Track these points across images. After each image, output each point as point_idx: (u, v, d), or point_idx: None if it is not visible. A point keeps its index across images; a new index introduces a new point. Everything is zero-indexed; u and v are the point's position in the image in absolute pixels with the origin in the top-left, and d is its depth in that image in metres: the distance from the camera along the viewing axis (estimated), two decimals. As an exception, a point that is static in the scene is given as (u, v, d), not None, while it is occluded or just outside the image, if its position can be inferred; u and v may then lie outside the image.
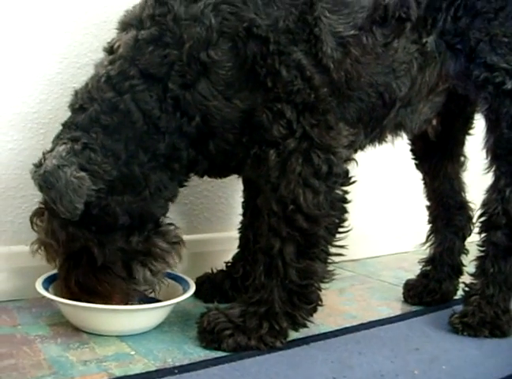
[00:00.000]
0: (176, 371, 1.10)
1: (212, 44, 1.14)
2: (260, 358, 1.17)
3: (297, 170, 1.16)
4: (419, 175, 1.63)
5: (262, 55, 1.14)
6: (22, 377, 1.05)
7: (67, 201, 1.12)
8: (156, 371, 1.10)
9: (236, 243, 1.53)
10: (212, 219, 1.73)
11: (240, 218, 1.53)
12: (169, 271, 1.33)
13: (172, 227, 1.29)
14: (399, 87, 1.28)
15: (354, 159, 1.26)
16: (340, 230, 1.22)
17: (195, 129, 1.19)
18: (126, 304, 1.27)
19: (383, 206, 2.11)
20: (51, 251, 1.24)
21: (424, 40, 1.27)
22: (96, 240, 1.20)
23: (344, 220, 1.22)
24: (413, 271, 1.67)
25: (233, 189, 1.74)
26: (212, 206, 1.73)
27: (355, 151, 1.32)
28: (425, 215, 1.64)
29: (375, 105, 1.28)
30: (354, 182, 1.23)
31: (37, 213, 1.25)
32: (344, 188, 1.21)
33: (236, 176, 1.53)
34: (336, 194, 1.20)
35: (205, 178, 1.60)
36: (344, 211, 1.22)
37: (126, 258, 1.23)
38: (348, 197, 1.22)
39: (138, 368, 1.11)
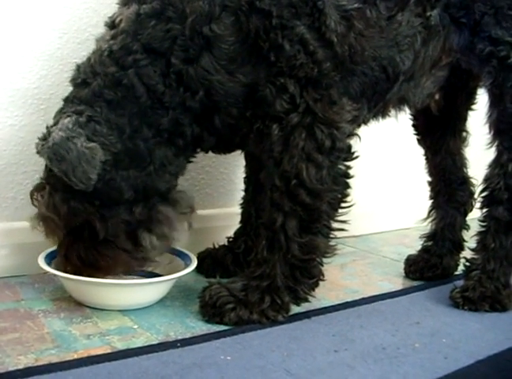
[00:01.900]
0: (179, 344, 1.11)
1: (214, 18, 1.13)
2: (262, 332, 1.17)
3: (300, 145, 1.16)
4: (420, 151, 1.63)
5: (265, 29, 1.13)
6: (26, 351, 1.05)
7: (80, 172, 1.11)
8: (158, 344, 1.11)
9: (238, 219, 1.54)
10: (214, 195, 1.73)
11: (242, 193, 1.53)
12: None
13: (183, 195, 1.29)
14: (402, 61, 1.27)
15: (357, 135, 1.25)
16: (343, 205, 1.22)
17: (199, 104, 1.18)
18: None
19: (384, 182, 2.11)
20: (51, 225, 1.23)
21: (428, 14, 1.26)
22: (98, 214, 1.20)
23: (347, 195, 1.23)
24: (414, 247, 1.67)
25: (235, 165, 1.73)
26: (214, 182, 1.73)
27: (359, 126, 1.32)
28: (426, 191, 1.64)
29: (379, 79, 1.27)
30: (357, 157, 1.23)
31: (38, 188, 1.24)
32: (347, 163, 1.22)
33: (238, 152, 1.54)
34: (338, 169, 1.20)
35: (207, 153, 1.62)
36: (347, 186, 1.22)
37: (130, 229, 1.22)
38: (350, 172, 1.22)
39: (141, 341, 1.12)
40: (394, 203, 2.13)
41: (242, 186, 1.54)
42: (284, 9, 1.14)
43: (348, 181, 1.22)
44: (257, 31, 1.13)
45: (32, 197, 1.25)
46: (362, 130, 1.34)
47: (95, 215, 1.20)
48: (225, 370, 1.02)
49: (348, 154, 1.21)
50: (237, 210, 1.55)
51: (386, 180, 2.12)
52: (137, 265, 1.28)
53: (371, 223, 2.03)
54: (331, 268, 1.29)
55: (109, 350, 1.08)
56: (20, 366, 0.99)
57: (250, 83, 1.17)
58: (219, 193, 1.74)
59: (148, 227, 1.24)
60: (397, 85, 1.30)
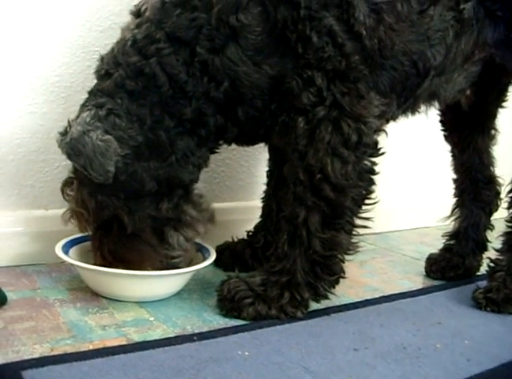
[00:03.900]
0: (195, 338, 1.09)
1: (241, 8, 1.10)
2: (280, 328, 1.15)
3: (326, 139, 1.13)
4: (443, 148, 1.60)
5: (293, 20, 1.11)
6: (41, 340, 1.04)
7: (97, 165, 1.11)
8: (175, 337, 1.10)
9: (258, 213, 1.52)
10: (234, 188, 1.72)
11: (262, 187, 1.51)
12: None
13: (203, 199, 1.28)
14: (434, 55, 1.23)
15: (384, 130, 1.23)
16: (367, 201, 1.20)
17: (223, 95, 1.16)
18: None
19: (405, 179, 2.08)
20: (82, 220, 1.24)
21: (462, 7, 1.22)
22: (125, 207, 1.19)
23: (371, 192, 1.20)
24: (435, 246, 1.64)
25: (255, 159, 1.71)
26: (234, 175, 1.71)
27: (387, 122, 1.29)
28: (448, 189, 1.61)
29: (409, 74, 1.24)
30: (383, 154, 1.20)
31: (67, 183, 1.24)
32: (373, 159, 1.19)
33: (260, 145, 1.52)
34: (364, 165, 1.17)
35: (227, 146, 1.61)
36: (372, 182, 1.20)
37: (157, 225, 1.22)
38: (376, 168, 1.20)
39: (157, 334, 1.11)
40: (415, 201, 2.10)
41: (263, 180, 1.52)
42: (312, 0, 1.11)
43: (373, 177, 1.19)
44: (285, 22, 1.11)
45: (62, 192, 1.25)
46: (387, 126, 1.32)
47: (122, 209, 1.20)
48: (242, 366, 1.00)
49: (375, 150, 1.19)
50: (257, 204, 1.53)
51: (407, 177, 2.09)
52: (161, 261, 1.26)
53: (392, 220, 2.00)
54: (351, 264, 1.26)
55: (125, 342, 1.06)
56: (36, 355, 0.98)
57: (276, 75, 1.14)
58: (238, 186, 1.72)
59: (175, 226, 1.24)
60: (427, 80, 1.27)
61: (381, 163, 1.22)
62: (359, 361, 1.05)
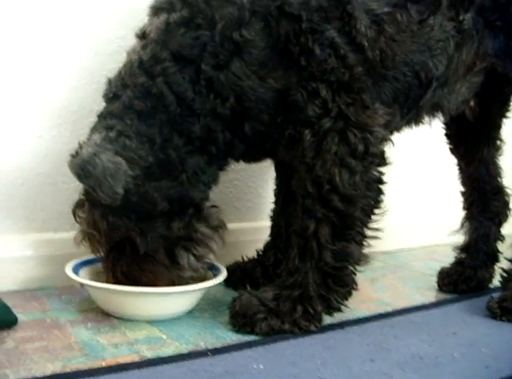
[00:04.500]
0: (209, 353, 1.08)
1: (244, 23, 1.12)
2: (294, 341, 1.14)
3: (333, 150, 1.14)
4: (451, 164, 1.60)
5: (295, 34, 1.12)
6: (53, 358, 1.03)
7: (106, 187, 1.10)
8: (188, 353, 1.08)
9: (266, 233, 1.51)
10: (242, 209, 1.71)
11: (270, 208, 1.51)
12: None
13: (214, 210, 1.27)
14: (435, 65, 1.24)
15: (390, 140, 1.23)
16: (376, 211, 1.20)
17: (229, 111, 1.16)
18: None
19: (413, 198, 2.08)
20: (94, 242, 1.24)
21: (461, 17, 1.24)
22: (137, 228, 1.19)
23: (380, 202, 1.20)
24: (445, 262, 1.63)
25: (262, 179, 1.72)
26: (242, 196, 1.71)
27: (391, 133, 1.29)
28: (456, 206, 1.60)
29: (411, 85, 1.25)
30: (390, 164, 1.20)
31: (78, 205, 1.24)
32: (380, 169, 1.19)
33: (266, 165, 1.52)
34: (372, 175, 1.17)
35: (235, 167, 1.60)
36: (380, 192, 1.20)
37: (168, 245, 1.21)
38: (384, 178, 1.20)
39: (170, 351, 1.10)
40: (423, 218, 2.09)
41: (271, 200, 1.51)
42: (313, 13, 1.13)
43: (382, 187, 1.20)
44: (288, 36, 1.12)
45: (74, 214, 1.25)
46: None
47: (134, 230, 1.19)
48: (258, 378, 0.99)
49: (382, 159, 1.19)
50: (265, 224, 1.53)
51: (415, 195, 2.09)
52: (174, 280, 1.25)
53: (400, 238, 1.99)
54: (361, 281, 1.25)
55: (137, 359, 1.05)
56: (48, 373, 0.97)
57: (281, 88, 1.15)
58: (247, 207, 1.72)
59: (186, 246, 1.23)
60: (430, 91, 1.28)
61: (388, 182, 1.22)
62: (376, 371, 1.04)
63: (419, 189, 2.11)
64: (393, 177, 1.23)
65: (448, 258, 1.61)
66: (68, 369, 0.99)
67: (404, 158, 1.93)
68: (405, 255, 1.96)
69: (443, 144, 1.60)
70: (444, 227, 1.67)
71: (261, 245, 1.52)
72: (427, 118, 1.38)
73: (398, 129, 1.33)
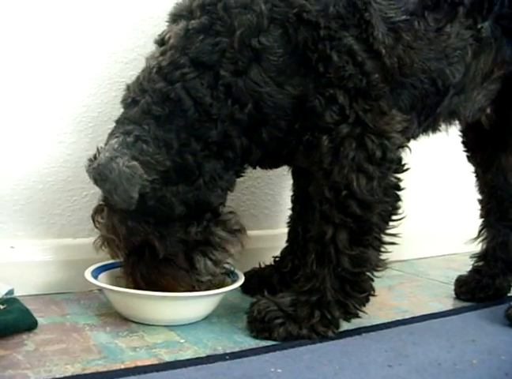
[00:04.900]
0: (227, 357, 1.09)
1: (263, 31, 1.13)
2: (312, 347, 1.14)
3: (350, 156, 1.14)
4: (467, 176, 1.60)
5: (313, 40, 1.13)
6: (73, 360, 1.04)
7: (122, 191, 1.11)
8: (207, 357, 1.09)
9: (283, 240, 1.51)
10: (259, 216, 1.72)
11: (287, 215, 1.51)
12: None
13: (232, 215, 1.28)
14: (452, 73, 1.25)
15: (408, 146, 1.23)
16: (394, 217, 1.20)
17: (247, 117, 1.17)
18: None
19: (430, 207, 2.07)
20: (113, 246, 1.25)
21: (479, 26, 1.24)
22: (156, 232, 1.20)
23: (398, 208, 1.20)
24: (463, 270, 1.62)
25: (280, 187, 1.72)
26: (259, 203, 1.72)
27: (409, 140, 1.29)
28: (473, 215, 1.60)
29: (428, 92, 1.25)
30: (407, 170, 1.20)
31: (98, 210, 1.26)
32: (398, 175, 1.19)
33: (283, 172, 1.53)
34: (389, 180, 1.17)
35: (252, 174, 1.62)
36: (398, 198, 1.19)
37: (187, 249, 1.22)
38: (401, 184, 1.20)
39: (188, 355, 1.10)
40: (441, 227, 2.09)
41: (288, 207, 1.52)
42: (331, 20, 1.14)
43: (399, 193, 1.19)
44: (306, 43, 1.13)
45: (93, 220, 1.26)
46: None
47: (153, 234, 1.20)
48: (276, 382, 0.99)
49: (399, 165, 1.19)
50: (282, 231, 1.53)
51: (432, 204, 2.08)
52: (193, 285, 1.26)
53: (417, 247, 1.98)
54: (379, 289, 1.25)
55: (156, 362, 1.06)
56: (68, 374, 0.98)
57: (299, 94, 1.16)
58: (264, 215, 1.73)
59: (203, 251, 1.24)
60: (447, 99, 1.28)
61: (406, 190, 1.22)
62: (394, 376, 1.04)
63: (437, 197, 2.10)
64: (411, 185, 1.24)
65: (466, 267, 1.60)
66: (87, 371, 1.00)
67: (421, 166, 1.94)
68: (423, 264, 1.95)
69: (460, 153, 1.60)
70: (462, 236, 1.66)
71: (278, 253, 1.52)
72: (443, 126, 1.38)
73: (415, 136, 1.33)
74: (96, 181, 1.15)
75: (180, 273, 1.23)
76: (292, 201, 1.50)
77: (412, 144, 1.30)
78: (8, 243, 1.40)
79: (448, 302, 1.53)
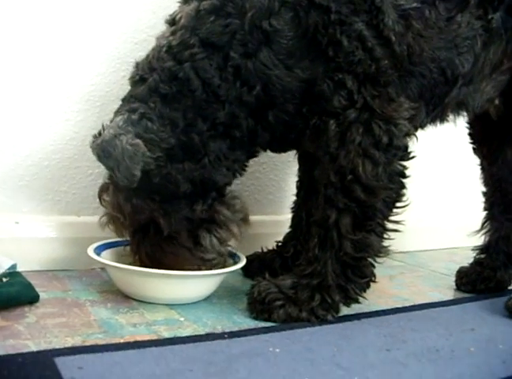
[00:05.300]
0: (226, 336, 1.09)
1: (274, 13, 1.13)
2: (311, 329, 1.15)
3: (357, 141, 1.14)
4: (472, 169, 1.60)
5: (324, 25, 1.13)
6: (73, 333, 1.05)
7: (124, 169, 1.12)
8: (206, 335, 1.10)
9: (285, 226, 1.52)
10: (263, 202, 1.72)
11: (290, 201, 1.52)
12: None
13: (238, 201, 1.29)
14: (462, 63, 1.25)
15: (415, 135, 1.23)
16: (398, 205, 1.20)
17: (255, 99, 1.17)
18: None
19: (435, 199, 2.07)
20: (119, 224, 1.26)
21: (490, 16, 1.24)
22: (160, 210, 1.21)
23: (402, 195, 1.20)
24: (464, 264, 1.61)
25: (285, 173, 1.73)
26: (264, 188, 1.72)
27: (416, 129, 1.29)
28: (477, 209, 1.60)
29: (437, 81, 1.25)
30: (413, 158, 1.20)
31: (104, 188, 1.27)
32: (403, 163, 1.19)
33: (289, 159, 1.53)
34: (395, 167, 1.17)
35: (257, 159, 1.62)
36: (403, 186, 1.19)
37: (192, 227, 1.23)
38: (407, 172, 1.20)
39: (187, 332, 1.11)
40: (444, 220, 2.09)
41: (292, 194, 1.52)
42: (342, 5, 1.13)
43: (404, 180, 1.19)
44: (316, 27, 1.13)
45: (100, 198, 1.27)
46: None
47: (158, 212, 1.21)
48: (274, 361, 1.00)
49: (405, 153, 1.19)
50: (285, 217, 1.54)
51: (437, 197, 2.08)
52: (197, 264, 1.27)
53: (420, 239, 1.98)
54: (379, 278, 1.25)
55: (155, 338, 1.06)
56: (68, 345, 0.99)
57: (307, 78, 1.16)
58: (268, 200, 1.73)
59: (208, 228, 1.25)
60: (455, 89, 1.28)
61: (409, 182, 1.22)
62: (392, 360, 1.04)
63: (441, 191, 2.10)
64: (416, 177, 1.24)
65: (468, 260, 1.60)
66: (87, 344, 1.01)
67: (426, 159, 1.94)
68: (425, 256, 1.95)
69: (465, 147, 1.60)
70: (465, 229, 1.66)
71: (280, 239, 1.53)
72: (451, 116, 1.38)
73: (423, 125, 1.33)
74: (99, 158, 1.15)
75: (183, 251, 1.24)
76: (297, 187, 1.50)
77: (417, 138, 1.30)
78: (13, 218, 1.41)
79: (448, 293, 1.53)
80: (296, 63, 1.15)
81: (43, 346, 0.98)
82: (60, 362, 0.91)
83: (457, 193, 2.11)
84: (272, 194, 1.74)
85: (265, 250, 1.53)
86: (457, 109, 1.36)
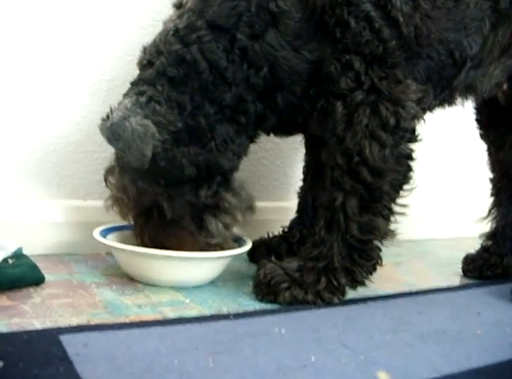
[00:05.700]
0: (231, 317, 1.09)
1: None
2: (317, 311, 1.15)
3: (364, 122, 1.14)
4: (480, 158, 1.60)
5: (331, 5, 1.12)
6: (78, 313, 1.05)
7: (135, 149, 1.12)
8: (211, 316, 1.10)
9: (291, 213, 1.52)
10: (269, 188, 1.72)
11: (296, 188, 1.52)
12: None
13: (244, 191, 1.29)
14: (470, 45, 1.24)
15: (422, 118, 1.22)
16: (405, 187, 1.19)
17: (262, 81, 1.17)
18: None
19: (440, 187, 2.06)
20: (123, 206, 1.26)
21: (498, -3, 1.23)
22: (165, 193, 1.21)
23: (409, 178, 1.19)
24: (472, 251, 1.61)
25: (291, 160, 1.72)
26: (269, 174, 1.71)
27: (424, 112, 1.28)
28: (482, 199, 1.59)
29: (445, 64, 1.24)
30: (420, 140, 1.20)
31: (109, 171, 1.27)
32: (411, 145, 1.18)
33: (295, 146, 1.53)
34: (402, 149, 1.17)
35: (263, 145, 1.62)
36: (409, 168, 1.19)
37: (195, 212, 1.23)
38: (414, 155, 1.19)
39: (193, 313, 1.11)
40: (451, 209, 2.08)
41: (298, 181, 1.52)
42: None
43: (411, 163, 1.19)
44: (323, 7, 1.12)
45: (105, 180, 1.27)
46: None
47: (162, 195, 1.21)
48: (279, 340, 1.00)
49: (413, 135, 1.18)
50: (291, 204, 1.53)
51: (443, 185, 2.07)
52: (200, 248, 1.26)
53: (427, 228, 1.97)
54: (386, 264, 1.25)
55: (161, 319, 1.07)
56: (73, 324, 0.99)
57: (315, 60, 1.15)
58: (274, 186, 1.73)
59: (214, 213, 1.24)
60: (464, 72, 1.27)
61: (417, 171, 1.22)
62: (398, 341, 1.04)
63: (449, 180, 2.09)
64: (425, 164, 1.23)
65: (476, 249, 1.59)
66: (92, 323, 1.01)
67: (437, 150, 1.94)
68: (432, 244, 1.93)
69: (472, 136, 1.60)
70: (473, 219, 1.66)
71: (286, 225, 1.52)
72: (459, 99, 1.37)
73: (431, 108, 1.32)
74: (109, 141, 1.15)
75: (185, 235, 1.24)
76: (304, 172, 1.49)
77: (425, 121, 1.30)
78: (19, 202, 1.41)
79: (455, 279, 1.52)
80: (303, 45, 1.15)
81: (49, 325, 0.98)
82: (65, 339, 0.92)
83: (465, 183, 2.09)
84: (278, 180, 1.73)
85: (271, 236, 1.53)
86: (466, 93, 1.35)
